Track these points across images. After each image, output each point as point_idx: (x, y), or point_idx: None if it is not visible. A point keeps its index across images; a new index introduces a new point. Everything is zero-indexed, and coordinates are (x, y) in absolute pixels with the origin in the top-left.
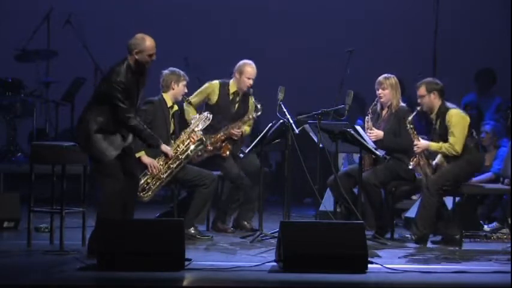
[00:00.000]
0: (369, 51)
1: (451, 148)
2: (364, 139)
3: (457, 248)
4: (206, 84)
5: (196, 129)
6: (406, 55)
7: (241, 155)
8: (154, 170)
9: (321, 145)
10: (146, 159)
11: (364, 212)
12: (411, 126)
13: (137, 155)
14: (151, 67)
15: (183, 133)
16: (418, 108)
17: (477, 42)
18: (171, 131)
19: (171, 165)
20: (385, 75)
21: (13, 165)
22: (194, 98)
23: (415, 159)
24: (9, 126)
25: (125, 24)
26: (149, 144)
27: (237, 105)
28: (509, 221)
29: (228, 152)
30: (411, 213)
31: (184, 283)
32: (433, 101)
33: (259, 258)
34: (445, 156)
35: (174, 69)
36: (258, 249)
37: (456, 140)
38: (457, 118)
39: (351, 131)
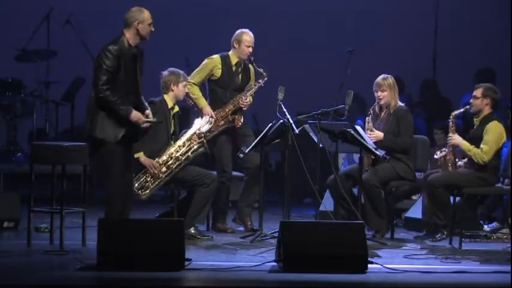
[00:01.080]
0: (368, 51)
1: (480, 155)
2: (364, 139)
3: (457, 248)
4: (206, 61)
5: (198, 131)
6: (406, 55)
7: (241, 155)
8: (153, 170)
9: (321, 145)
10: (145, 160)
11: (364, 212)
12: (453, 120)
13: (136, 155)
14: (152, 68)
15: (184, 134)
16: (467, 106)
17: (477, 42)
18: (172, 132)
19: (171, 166)
20: (383, 76)
21: (13, 165)
22: (196, 77)
23: (444, 152)
24: (9, 126)
25: (134, 7)
26: (120, 116)
27: (240, 76)
28: (509, 221)
29: (240, 123)
30: (411, 213)
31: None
32: (484, 106)
33: (259, 258)
34: (470, 163)
35: (173, 69)
36: (258, 249)
37: (488, 150)
38: (497, 130)
39: (351, 131)
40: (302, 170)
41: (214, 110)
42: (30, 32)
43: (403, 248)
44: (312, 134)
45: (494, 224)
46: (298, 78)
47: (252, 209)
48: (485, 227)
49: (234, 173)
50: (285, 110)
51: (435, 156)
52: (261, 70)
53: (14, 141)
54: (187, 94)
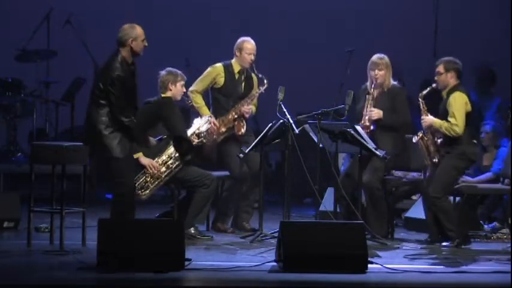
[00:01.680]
0: (368, 51)
1: (450, 128)
2: (364, 139)
3: (456, 248)
4: (209, 69)
5: (197, 131)
6: (406, 55)
7: (241, 155)
8: (153, 170)
9: (321, 145)
10: (144, 160)
11: (365, 214)
12: (423, 101)
13: (135, 156)
14: (151, 68)
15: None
16: (434, 85)
17: (477, 42)
18: None
19: (171, 166)
20: (378, 55)
21: (13, 165)
22: (199, 85)
23: (420, 134)
24: (9, 126)
25: (125, 24)
26: (137, 142)
27: (243, 84)
28: (509, 221)
29: (243, 130)
30: (411, 213)
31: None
32: (449, 80)
33: (259, 258)
34: (445, 142)
35: (171, 69)
36: (258, 249)
37: (456, 121)
38: (459, 101)
39: (351, 131)
40: (302, 170)
41: (216, 118)
42: (30, 32)
43: (403, 248)
44: (312, 134)
45: (494, 224)
46: (298, 78)
47: (251, 211)
48: (485, 227)
49: None
50: (285, 110)
51: (413, 141)
52: (262, 77)
53: (14, 141)
54: (185, 93)
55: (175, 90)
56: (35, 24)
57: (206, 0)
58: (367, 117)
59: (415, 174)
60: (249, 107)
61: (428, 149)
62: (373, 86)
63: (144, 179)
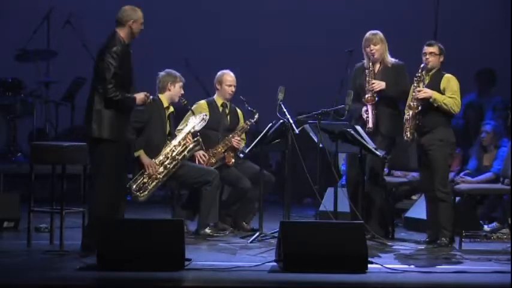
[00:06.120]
0: None
1: (454, 105)
2: (364, 139)
3: (457, 248)
4: (194, 106)
5: (192, 130)
6: (406, 55)
7: (241, 155)
8: (151, 170)
9: (321, 145)
10: (145, 159)
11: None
12: (422, 72)
13: (136, 154)
14: (150, 68)
15: (179, 134)
16: (422, 65)
17: (477, 42)
18: (167, 132)
19: (168, 166)
20: (371, 31)
21: (13, 165)
22: (184, 124)
23: (408, 132)
24: (9, 126)
25: (126, 6)
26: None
27: (228, 117)
28: (509, 221)
29: (232, 160)
30: (411, 213)
31: (184, 283)
32: (439, 62)
33: (259, 258)
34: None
35: (170, 70)
36: (258, 249)
37: (458, 103)
38: (455, 82)
39: (351, 131)
40: (302, 170)
41: (207, 151)
42: (30, 32)
43: (403, 248)
44: (312, 134)
45: (494, 224)
46: (298, 78)
47: (252, 214)
48: (485, 227)
49: None
50: (285, 110)
51: (405, 139)
52: (252, 110)
53: (14, 141)
54: (182, 95)
55: (174, 91)
56: (35, 24)
57: (206, 0)
58: (370, 90)
59: (415, 174)
60: (239, 139)
61: (410, 123)
62: (370, 62)
63: (142, 179)
